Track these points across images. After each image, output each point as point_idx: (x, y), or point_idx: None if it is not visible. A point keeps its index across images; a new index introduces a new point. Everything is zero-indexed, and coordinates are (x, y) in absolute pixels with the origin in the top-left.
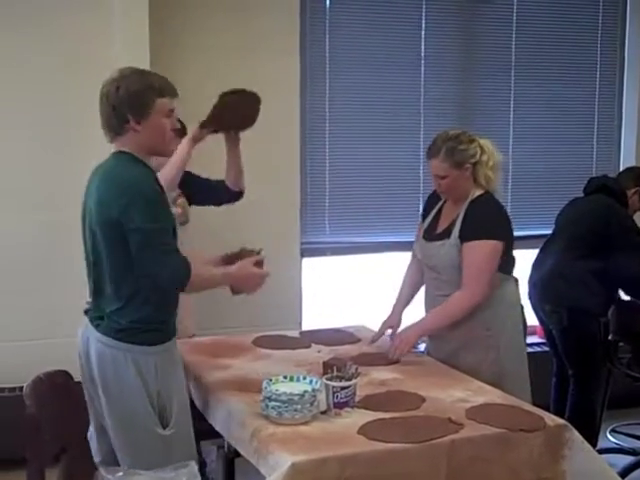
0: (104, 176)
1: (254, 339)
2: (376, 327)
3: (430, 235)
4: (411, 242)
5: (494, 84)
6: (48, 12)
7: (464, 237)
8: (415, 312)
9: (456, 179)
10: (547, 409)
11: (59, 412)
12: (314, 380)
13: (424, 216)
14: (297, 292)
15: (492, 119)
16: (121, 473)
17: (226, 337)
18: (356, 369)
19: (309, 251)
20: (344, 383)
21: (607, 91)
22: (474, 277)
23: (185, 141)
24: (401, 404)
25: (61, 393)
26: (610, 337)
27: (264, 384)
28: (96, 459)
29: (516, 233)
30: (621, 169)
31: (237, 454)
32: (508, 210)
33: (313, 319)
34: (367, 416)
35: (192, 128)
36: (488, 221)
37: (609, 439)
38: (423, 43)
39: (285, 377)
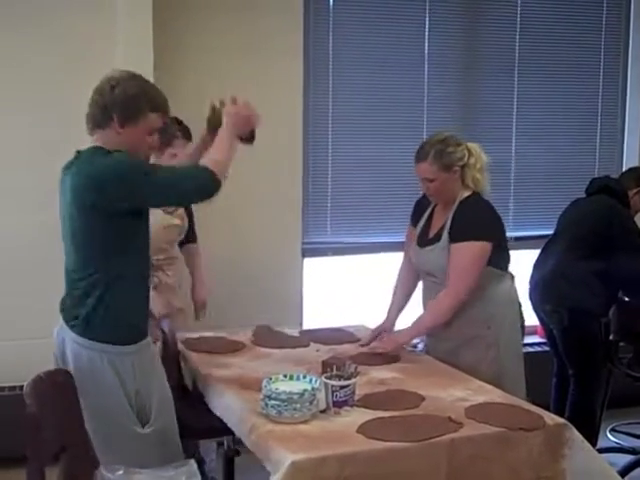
0: (79, 169)
1: (254, 331)
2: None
3: (423, 241)
4: None
5: (497, 83)
6: (51, 12)
7: (452, 238)
8: (412, 315)
9: (445, 182)
10: (547, 409)
11: (59, 411)
12: (314, 379)
13: (414, 221)
14: (298, 292)
15: (495, 118)
16: (121, 472)
17: (226, 335)
18: (355, 368)
19: (310, 251)
20: (343, 382)
21: (610, 90)
22: (459, 277)
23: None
24: (400, 403)
25: (61, 392)
26: (611, 337)
27: (264, 383)
28: None
29: (518, 233)
30: (624, 169)
31: (237, 452)
32: (510, 210)
33: (314, 319)
34: (366, 415)
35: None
36: (475, 222)
37: (609, 438)
38: (426, 42)
39: (285, 376)
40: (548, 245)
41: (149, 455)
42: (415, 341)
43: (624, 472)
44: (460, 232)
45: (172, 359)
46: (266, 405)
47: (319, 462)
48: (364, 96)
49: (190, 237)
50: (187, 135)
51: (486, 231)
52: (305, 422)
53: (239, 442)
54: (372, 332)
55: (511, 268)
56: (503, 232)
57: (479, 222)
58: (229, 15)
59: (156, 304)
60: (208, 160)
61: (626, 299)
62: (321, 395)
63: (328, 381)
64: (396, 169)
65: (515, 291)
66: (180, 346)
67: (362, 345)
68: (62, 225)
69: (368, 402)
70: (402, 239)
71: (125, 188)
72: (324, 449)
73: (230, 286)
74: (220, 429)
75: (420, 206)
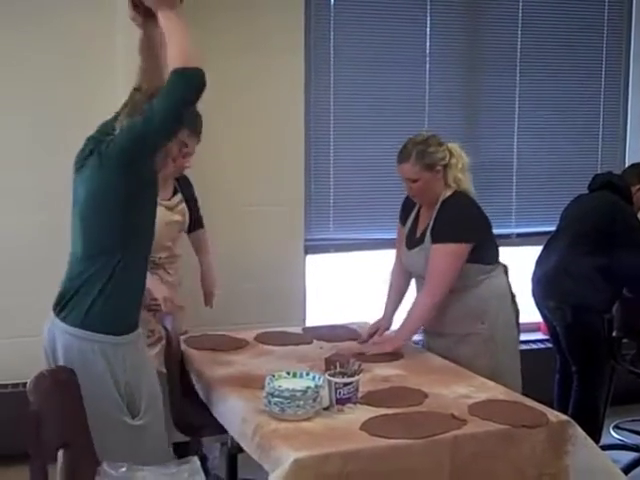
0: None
1: (256, 335)
2: None
3: (410, 242)
4: None
5: (499, 81)
6: (51, 11)
7: (433, 239)
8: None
9: (428, 182)
10: (550, 406)
11: (62, 408)
12: (317, 376)
13: (402, 221)
14: (301, 289)
15: (497, 116)
16: (124, 469)
17: (229, 333)
18: (359, 365)
19: (313, 248)
20: (346, 379)
21: (612, 88)
22: (435, 279)
23: None
24: (404, 400)
25: (64, 389)
26: (614, 334)
27: (267, 380)
28: None
29: (520, 230)
30: (626, 165)
31: (240, 450)
32: (512, 206)
33: (317, 316)
34: (370, 412)
35: None
36: (453, 224)
37: (612, 435)
38: (428, 40)
39: (288, 373)
40: (551, 241)
41: (138, 446)
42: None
43: (627, 469)
44: (439, 234)
45: (175, 357)
46: (269, 402)
47: (322, 459)
48: (365, 94)
49: (197, 223)
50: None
51: (464, 232)
52: (308, 419)
53: None
54: (369, 329)
55: (513, 265)
56: (486, 229)
57: (458, 223)
58: (230, 13)
59: (160, 289)
60: (175, 56)
61: (630, 295)
62: (324, 392)
63: (331, 378)
64: None
65: (506, 284)
66: (182, 345)
67: (360, 342)
68: (73, 213)
69: (371, 399)
70: None
71: (136, 133)
72: (327, 446)
73: (233, 283)
74: (223, 426)
75: (407, 206)
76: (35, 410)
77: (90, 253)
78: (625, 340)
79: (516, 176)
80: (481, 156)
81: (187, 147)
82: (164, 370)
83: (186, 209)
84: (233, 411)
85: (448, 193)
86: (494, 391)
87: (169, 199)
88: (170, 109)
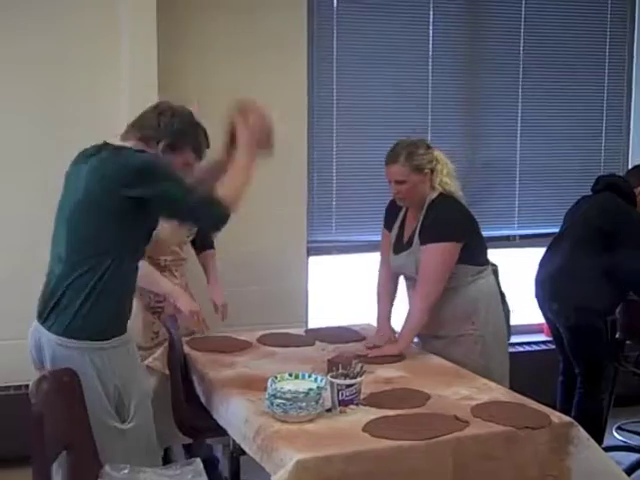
0: (110, 155)
1: (259, 337)
2: None
3: (397, 247)
4: None
5: (502, 80)
6: (55, 11)
7: (421, 241)
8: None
9: (415, 185)
10: (554, 407)
11: (64, 410)
12: (319, 378)
13: (387, 226)
14: (303, 290)
15: (500, 116)
16: (126, 470)
17: (232, 334)
18: (361, 367)
19: (315, 249)
20: (349, 381)
21: (615, 88)
22: (427, 279)
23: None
24: (406, 402)
25: (67, 391)
26: (617, 335)
27: (269, 382)
28: None
29: (523, 231)
30: (630, 166)
31: (242, 452)
32: (515, 208)
33: (319, 317)
34: (372, 414)
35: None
36: (442, 224)
37: (615, 437)
38: (431, 39)
39: (290, 375)
40: (554, 243)
41: (128, 449)
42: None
43: (630, 471)
44: (428, 234)
45: (177, 359)
46: (271, 404)
47: (324, 461)
48: (368, 94)
49: (207, 243)
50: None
51: (453, 232)
52: (311, 421)
53: None
54: (376, 340)
55: (515, 266)
56: (474, 229)
57: (446, 223)
58: (233, 14)
59: (188, 302)
60: (228, 188)
61: (635, 297)
62: (327, 394)
63: (334, 380)
64: None
65: (496, 284)
66: (185, 347)
67: (368, 348)
68: (58, 221)
69: (374, 401)
70: None
71: (149, 175)
72: (330, 448)
73: (235, 285)
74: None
75: (391, 210)
76: (37, 412)
77: (75, 258)
78: (628, 342)
79: (519, 177)
80: (484, 157)
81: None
82: (167, 372)
83: None
84: (235, 413)
85: (434, 195)
86: (497, 392)
87: None
88: (192, 215)
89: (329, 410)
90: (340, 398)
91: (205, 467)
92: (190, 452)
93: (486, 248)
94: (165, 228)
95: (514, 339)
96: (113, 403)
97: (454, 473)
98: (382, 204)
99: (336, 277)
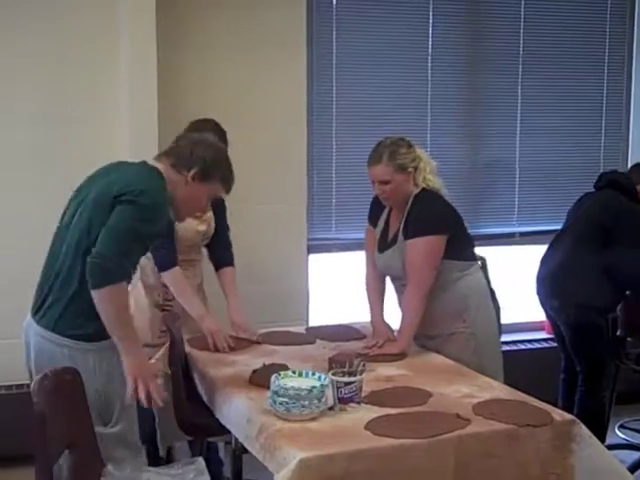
0: (131, 167)
1: (260, 335)
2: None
3: (381, 246)
4: None
5: (501, 79)
6: (55, 10)
7: (405, 236)
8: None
9: (399, 184)
10: (555, 405)
11: (66, 409)
12: (322, 376)
13: (372, 222)
14: (304, 288)
15: (499, 115)
16: (128, 470)
17: (232, 333)
18: (363, 365)
19: (316, 247)
20: (347, 379)
21: (615, 86)
22: (416, 273)
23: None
24: (408, 400)
25: (69, 390)
26: (618, 333)
27: (272, 379)
28: None
29: (523, 229)
30: (629, 164)
31: (245, 450)
32: (515, 205)
33: (320, 315)
34: (374, 412)
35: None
36: (426, 217)
37: (618, 435)
38: (430, 39)
39: (294, 372)
40: (556, 240)
41: (108, 454)
42: None
43: (633, 468)
44: (412, 228)
45: (178, 358)
46: (274, 402)
47: (327, 459)
48: (368, 93)
49: (224, 259)
50: (222, 138)
51: (437, 225)
52: (313, 419)
53: None
54: (375, 340)
55: (515, 263)
56: (458, 224)
57: (430, 217)
58: (232, 12)
59: (212, 322)
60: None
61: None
62: (329, 392)
63: (334, 377)
64: None
65: (484, 280)
66: (186, 346)
67: (367, 347)
68: (68, 215)
69: (375, 399)
70: None
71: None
72: (332, 446)
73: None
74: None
75: (376, 206)
76: (39, 411)
77: (70, 256)
78: (629, 339)
79: (519, 175)
80: (483, 155)
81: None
82: (169, 371)
83: (212, 217)
84: (237, 412)
85: (417, 191)
86: (498, 390)
87: None
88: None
89: (331, 408)
90: (340, 396)
91: (208, 467)
92: (193, 450)
93: (472, 244)
94: (180, 228)
95: (516, 337)
96: (95, 406)
97: (456, 471)
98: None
99: (336, 275)
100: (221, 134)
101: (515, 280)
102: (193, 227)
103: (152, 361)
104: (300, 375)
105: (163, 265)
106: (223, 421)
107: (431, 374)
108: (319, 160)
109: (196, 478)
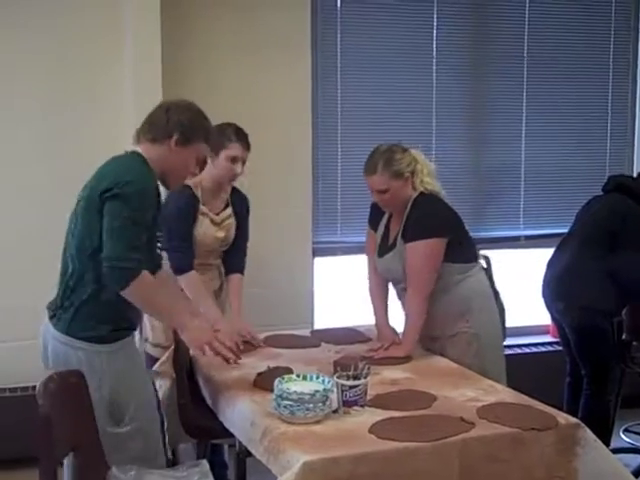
0: (114, 161)
1: (265, 338)
2: None
3: (382, 249)
4: None
5: (506, 83)
6: (60, 9)
7: (405, 239)
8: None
9: (397, 191)
10: (560, 409)
11: (71, 411)
12: (326, 379)
13: (372, 225)
14: (309, 291)
15: (504, 119)
16: (133, 472)
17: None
18: (368, 368)
19: (321, 251)
20: (352, 382)
21: (620, 90)
22: (416, 276)
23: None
24: (412, 403)
25: (74, 392)
26: (624, 337)
27: (276, 382)
28: None
29: (528, 232)
30: (635, 167)
31: (249, 453)
32: (520, 209)
33: (325, 318)
34: (378, 415)
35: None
36: (425, 220)
37: (622, 439)
38: (435, 43)
39: (298, 376)
40: (562, 243)
41: (122, 454)
42: None
43: (637, 472)
44: (411, 232)
45: (183, 360)
46: (278, 405)
47: (331, 462)
48: (372, 96)
49: (234, 264)
50: (243, 139)
51: (437, 228)
52: (318, 422)
53: None
54: (380, 343)
55: (520, 266)
56: (458, 226)
57: (429, 220)
58: (237, 13)
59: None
60: (152, 297)
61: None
62: (334, 395)
63: (338, 380)
64: None
65: (487, 281)
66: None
67: (373, 350)
68: (71, 220)
69: (380, 402)
70: None
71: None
72: (336, 449)
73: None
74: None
75: (376, 210)
76: (44, 413)
77: (82, 259)
78: (635, 343)
79: (524, 178)
80: (489, 159)
81: (205, 162)
82: (174, 374)
83: (234, 224)
84: (241, 414)
85: (416, 194)
86: (503, 394)
87: (217, 213)
88: (104, 266)
89: (336, 411)
90: (344, 399)
91: (213, 470)
92: (198, 453)
93: (474, 245)
94: (199, 234)
95: (521, 340)
96: (109, 406)
97: (460, 475)
98: None
99: (341, 278)
100: (243, 137)
101: (520, 283)
102: (212, 233)
103: (156, 366)
104: (304, 379)
105: (179, 268)
106: (227, 424)
107: (436, 377)
108: (324, 163)
109: None
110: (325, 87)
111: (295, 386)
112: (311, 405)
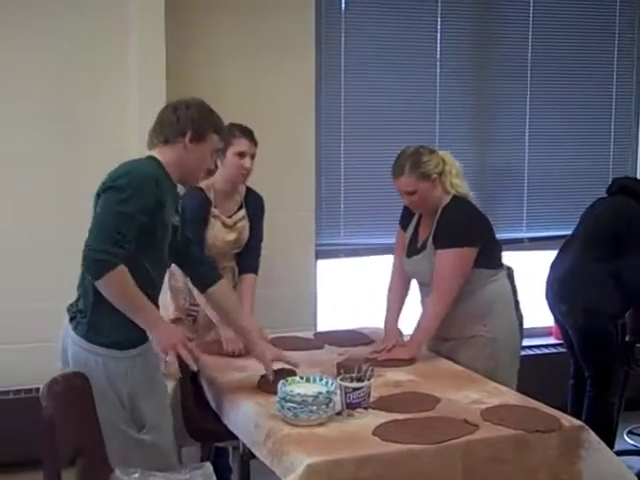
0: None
1: (268, 340)
2: None
3: (410, 251)
4: None
5: (510, 85)
6: (64, 12)
7: (437, 245)
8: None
9: (426, 192)
10: (564, 411)
11: (75, 414)
12: (330, 382)
13: (403, 225)
14: (312, 293)
15: (508, 121)
16: (137, 475)
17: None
18: (371, 370)
19: (324, 253)
20: (355, 384)
21: (624, 92)
22: (442, 284)
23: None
24: (416, 405)
25: (77, 395)
26: (627, 339)
27: (280, 384)
28: None
29: (532, 234)
30: (639, 169)
31: (252, 456)
32: (524, 211)
33: (328, 321)
34: (382, 417)
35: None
36: (456, 229)
37: (626, 441)
38: (438, 44)
39: (301, 378)
40: (566, 245)
41: (142, 458)
42: None
43: None
44: (442, 239)
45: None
46: (282, 407)
47: (335, 464)
48: (376, 98)
49: (248, 264)
50: (248, 134)
51: (467, 237)
52: (321, 424)
53: None
54: (384, 344)
55: (525, 269)
56: (488, 233)
57: (460, 229)
58: (241, 16)
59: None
60: (126, 289)
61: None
62: (337, 397)
63: (342, 383)
64: None
65: (510, 288)
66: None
67: (376, 351)
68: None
69: (383, 404)
70: None
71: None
72: (340, 451)
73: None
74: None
75: (408, 210)
76: (48, 416)
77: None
78: (638, 345)
79: (527, 180)
80: (492, 161)
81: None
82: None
83: (247, 226)
84: (245, 417)
85: (448, 199)
86: (507, 396)
87: (230, 216)
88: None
89: (339, 413)
90: (348, 401)
91: (217, 472)
92: (202, 455)
93: (501, 250)
94: (210, 237)
95: (524, 342)
96: (128, 410)
97: (464, 477)
98: (390, 207)
99: (345, 280)
100: (248, 133)
101: (523, 285)
102: (222, 236)
103: (163, 364)
104: (307, 381)
105: None
106: (231, 427)
107: (440, 380)
108: (327, 164)
109: None
110: (329, 89)
111: (299, 388)
112: (314, 407)
